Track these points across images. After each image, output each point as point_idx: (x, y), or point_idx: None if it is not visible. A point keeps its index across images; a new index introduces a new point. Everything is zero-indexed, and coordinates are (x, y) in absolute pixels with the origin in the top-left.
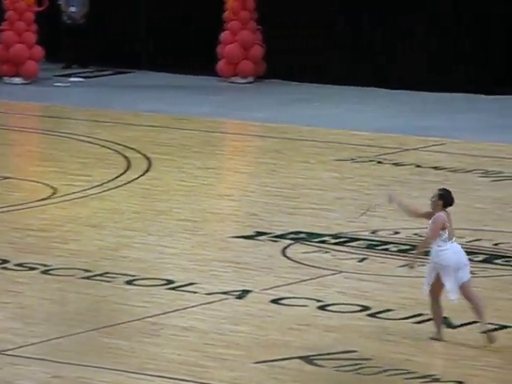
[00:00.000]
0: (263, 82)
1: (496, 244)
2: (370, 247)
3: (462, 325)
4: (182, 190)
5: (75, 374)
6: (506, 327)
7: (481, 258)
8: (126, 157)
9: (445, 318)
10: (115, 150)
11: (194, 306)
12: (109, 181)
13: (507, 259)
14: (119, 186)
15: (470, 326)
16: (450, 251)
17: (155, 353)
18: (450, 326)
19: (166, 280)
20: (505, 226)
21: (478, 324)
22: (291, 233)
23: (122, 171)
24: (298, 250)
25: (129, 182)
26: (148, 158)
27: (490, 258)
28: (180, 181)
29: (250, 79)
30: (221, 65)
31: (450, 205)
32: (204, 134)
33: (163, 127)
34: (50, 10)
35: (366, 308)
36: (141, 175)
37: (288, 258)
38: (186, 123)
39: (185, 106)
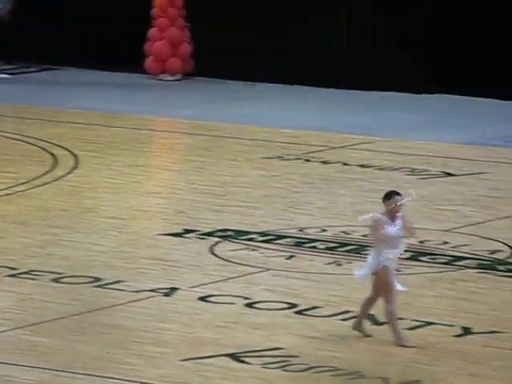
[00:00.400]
0: (191, 80)
1: (422, 241)
2: (297, 245)
3: (387, 322)
4: (109, 188)
5: (1, 372)
6: (431, 324)
7: (407, 255)
8: (52, 154)
9: (371, 315)
10: (42, 148)
11: (121, 304)
12: (35, 178)
13: (433, 257)
14: (46, 183)
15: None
16: None
17: (82, 350)
18: (376, 322)
19: (93, 278)
20: (431, 223)
21: (404, 321)
22: (219, 230)
23: (49, 168)
24: (225, 248)
25: (56, 180)
26: (75, 156)
27: (416, 256)
28: (108, 178)
29: (179, 77)
30: (149, 62)
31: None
32: (132, 132)
33: (91, 124)
34: None
35: (293, 305)
36: (68, 173)
37: (216, 255)
38: (114, 120)
39: (113, 103)
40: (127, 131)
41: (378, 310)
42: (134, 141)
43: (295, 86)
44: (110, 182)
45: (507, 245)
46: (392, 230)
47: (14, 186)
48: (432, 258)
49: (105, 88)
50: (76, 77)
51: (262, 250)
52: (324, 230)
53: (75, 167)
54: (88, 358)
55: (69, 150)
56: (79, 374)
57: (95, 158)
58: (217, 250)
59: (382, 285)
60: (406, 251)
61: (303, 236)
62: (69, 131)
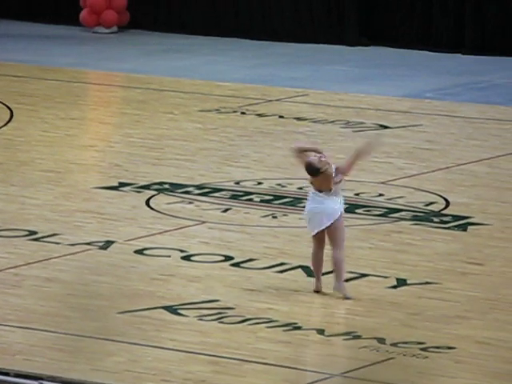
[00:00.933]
0: (127, 32)
1: (357, 194)
2: (233, 198)
3: (323, 274)
4: (44, 141)
5: None
6: (366, 275)
7: None
8: None
9: (306, 267)
10: None
11: (57, 257)
12: None
13: (368, 208)
14: None
15: (330, 274)
16: None
17: (17, 304)
18: (312, 274)
19: (29, 231)
20: (365, 175)
21: None
22: (155, 183)
23: None
24: (161, 201)
25: None
26: (10, 109)
27: (351, 208)
28: (42, 131)
29: (114, 29)
30: (84, 14)
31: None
32: (67, 85)
33: (26, 77)
34: None
35: (229, 258)
36: (2, 126)
37: (152, 208)
38: (49, 73)
39: (47, 56)
40: (62, 84)
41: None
42: (68, 94)
43: (231, 39)
44: (45, 135)
45: (442, 197)
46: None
47: None
48: (367, 210)
49: (39, 40)
50: (9, 29)
51: (198, 203)
52: (260, 183)
53: (10, 120)
54: (23, 311)
55: (2, 103)
56: (14, 327)
57: (29, 111)
58: (153, 203)
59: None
60: None
61: (239, 189)
62: (4, 84)
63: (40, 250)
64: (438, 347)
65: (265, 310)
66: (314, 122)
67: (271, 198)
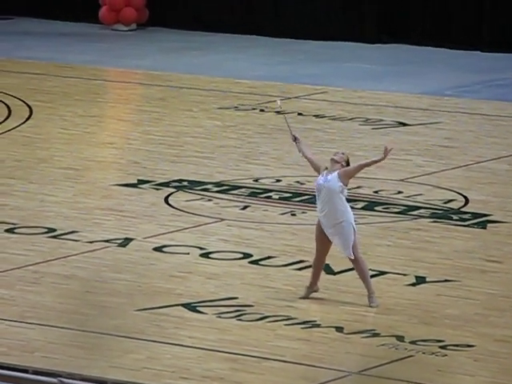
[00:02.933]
0: (146, 30)
1: (376, 191)
2: (252, 195)
3: (341, 271)
4: (63, 138)
5: None
6: (385, 273)
7: (361, 205)
8: (6, 104)
9: (325, 264)
10: None
11: (75, 255)
12: None
13: (386, 206)
14: (0, 133)
15: (349, 272)
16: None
17: (36, 301)
18: (331, 272)
19: (48, 228)
20: (384, 173)
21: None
22: (174, 181)
23: (3, 119)
24: (180, 198)
25: (9, 130)
26: (29, 106)
27: (370, 206)
28: (62, 129)
29: (133, 27)
30: (103, 12)
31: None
32: (86, 82)
33: (45, 75)
34: None
35: (247, 255)
36: (22, 123)
37: (171, 206)
38: (68, 71)
39: (67, 53)
40: (81, 82)
41: (333, 259)
42: (87, 91)
43: (251, 36)
44: (64, 133)
45: (461, 194)
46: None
47: None
48: (386, 208)
49: (58, 38)
50: (30, 27)
51: (217, 201)
52: (279, 180)
53: (29, 118)
54: (42, 308)
55: (22, 101)
56: (33, 324)
57: (49, 109)
58: (172, 200)
59: None
60: (360, 201)
61: (258, 186)
62: (22, 82)
63: (59, 247)
64: (457, 345)
65: (283, 308)
66: (333, 119)
67: (290, 195)
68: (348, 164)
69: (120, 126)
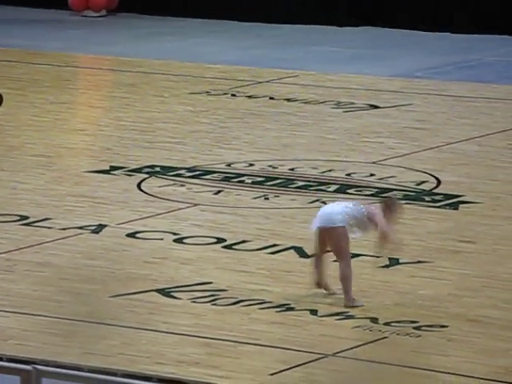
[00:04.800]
0: (116, 16)
1: (348, 174)
2: (225, 180)
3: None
4: (34, 125)
5: None
6: (358, 255)
7: (333, 188)
8: None
9: (298, 247)
10: None
11: (48, 242)
12: None
13: (359, 189)
14: None
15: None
16: None
17: (9, 289)
18: (305, 255)
19: (20, 216)
20: (356, 156)
21: (330, 253)
22: (146, 166)
23: None
24: (153, 184)
25: None
26: None
27: (343, 188)
28: (33, 116)
29: (103, 13)
30: None
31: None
32: (56, 69)
33: (14, 62)
34: None
35: (221, 240)
36: None
37: (143, 191)
38: (38, 57)
39: (37, 40)
40: (51, 68)
41: (307, 243)
42: (57, 78)
43: (221, 21)
44: (35, 120)
45: (433, 176)
46: None
47: None
48: (359, 191)
49: (27, 25)
50: None
51: (190, 186)
52: (251, 165)
53: None
54: (15, 296)
55: None
56: (6, 312)
57: (19, 96)
58: (144, 186)
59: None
60: (332, 184)
61: (231, 171)
62: None
63: (32, 234)
64: (430, 326)
65: (258, 292)
66: (305, 102)
67: (263, 179)
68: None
69: (91, 112)
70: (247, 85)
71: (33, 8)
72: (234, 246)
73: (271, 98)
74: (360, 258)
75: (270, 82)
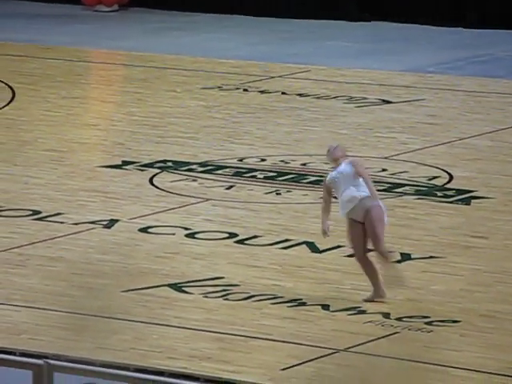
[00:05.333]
0: (128, 11)
1: None
2: (237, 175)
3: (326, 249)
4: (47, 120)
5: None
6: (369, 250)
7: None
8: None
9: (310, 242)
10: None
11: (61, 237)
12: None
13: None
14: None
15: (334, 250)
16: None
17: (22, 283)
18: (316, 250)
19: (33, 211)
20: (368, 151)
21: (344, 248)
22: (158, 161)
23: None
24: (165, 179)
25: None
26: (11, 88)
27: None
28: (45, 111)
29: (115, 7)
30: None
31: None
32: (69, 64)
33: (27, 56)
34: None
35: (233, 235)
36: (4, 105)
37: (155, 186)
38: (50, 52)
39: (49, 35)
40: (63, 63)
41: (319, 237)
42: (69, 73)
43: (232, 16)
44: (47, 115)
45: (445, 171)
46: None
47: None
48: None
49: (40, 19)
50: (11, 9)
51: (202, 181)
52: (263, 160)
53: (12, 100)
54: (28, 290)
55: (4, 83)
56: (19, 306)
57: (31, 91)
58: (156, 181)
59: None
60: None
61: (243, 166)
62: (4, 64)
63: (44, 229)
64: (442, 321)
65: (270, 287)
66: (317, 97)
67: (275, 174)
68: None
69: (103, 107)
70: (259, 80)
71: (45, 3)
72: (245, 241)
73: (283, 93)
74: (372, 253)
75: (283, 76)
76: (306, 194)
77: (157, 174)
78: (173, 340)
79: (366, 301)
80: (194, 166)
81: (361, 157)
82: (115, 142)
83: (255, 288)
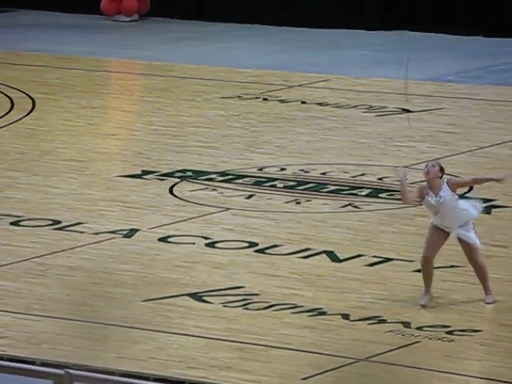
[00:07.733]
0: (148, 21)
1: (380, 178)
2: (256, 184)
3: (347, 258)
4: (67, 130)
5: None
6: (390, 259)
7: (365, 192)
8: (9, 97)
9: (330, 252)
10: None
11: (81, 246)
12: None
13: (391, 193)
14: (3, 126)
15: (354, 259)
16: None
17: (42, 293)
18: (337, 260)
19: (53, 220)
20: (388, 160)
21: (364, 257)
22: (178, 171)
23: (6, 111)
24: (185, 188)
25: (13, 123)
26: (32, 98)
27: (375, 192)
28: (65, 121)
29: (135, 17)
30: (104, 3)
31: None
32: (88, 74)
33: (47, 67)
34: None
35: (253, 244)
36: (25, 115)
37: (175, 196)
38: (70, 62)
39: (69, 45)
40: (83, 73)
41: (338, 247)
42: (89, 83)
43: (252, 25)
44: (67, 125)
45: None
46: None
47: None
48: (390, 195)
49: (59, 30)
50: (32, 19)
51: (222, 190)
52: (283, 169)
53: (32, 110)
54: (48, 300)
55: (25, 93)
56: (39, 316)
57: (51, 101)
58: (176, 190)
59: None
60: (364, 188)
61: (262, 175)
62: (24, 74)
63: (64, 239)
64: (463, 330)
65: (290, 296)
66: (336, 107)
67: (294, 183)
68: (442, 169)
69: (123, 117)
70: (279, 89)
71: (65, 13)
72: (265, 251)
73: (303, 102)
74: (392, 262)
75: (302, 85)
76: (326, 203)
77: (176, 183)
78: (193, 349)
79: (423, 306)
80: (213, 176)
81: (381, 166)
82: (135, 151)
83: (275, 297)
